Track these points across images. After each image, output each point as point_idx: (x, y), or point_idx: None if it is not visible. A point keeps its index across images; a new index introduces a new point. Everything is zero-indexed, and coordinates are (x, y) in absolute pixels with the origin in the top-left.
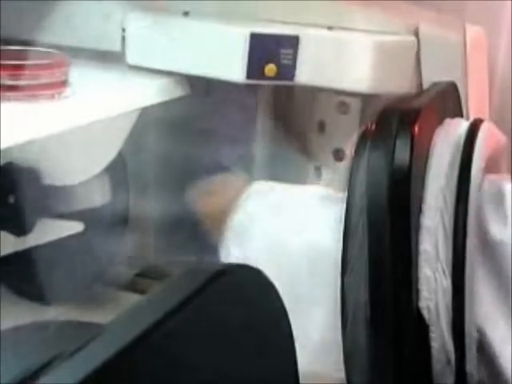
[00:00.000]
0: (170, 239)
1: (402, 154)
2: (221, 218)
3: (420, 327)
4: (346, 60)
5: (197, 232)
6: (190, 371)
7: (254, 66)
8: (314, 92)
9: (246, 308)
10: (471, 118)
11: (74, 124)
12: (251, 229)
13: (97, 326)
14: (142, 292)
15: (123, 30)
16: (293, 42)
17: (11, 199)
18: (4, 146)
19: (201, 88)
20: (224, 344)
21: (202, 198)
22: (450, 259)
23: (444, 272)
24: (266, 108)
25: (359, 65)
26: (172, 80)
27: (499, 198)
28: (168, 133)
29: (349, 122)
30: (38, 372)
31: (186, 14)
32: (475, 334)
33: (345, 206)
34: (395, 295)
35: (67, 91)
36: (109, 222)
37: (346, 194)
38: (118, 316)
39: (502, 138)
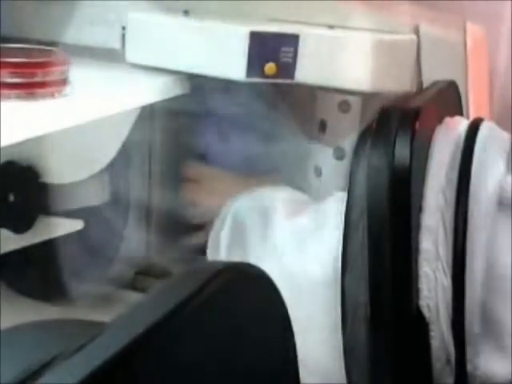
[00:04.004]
0: (171, 237)
1: (402, 153)
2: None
3: (420, 326)
4: (346, 58)
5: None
6: (191, 370)
7: (254, 65)
8: (315, 91)
9: (246, 306)
10: (471, 117)
11: (73, 122)
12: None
13: (97, 325)
14: (142, 290)
15: (123, 28)
16: (293, 40)
17: (11, 197)
18: (4, 144)
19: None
20: (225, 342)
21: (186, 184)
22: (451, 258)
23: (444, 271)
24: (266, 106)
25: (360, 63)
26: (172, 78)
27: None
28: (168, 131)
29: (350, 121)
30: (38, 371)
31: (185, 12)
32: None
33: (345, 204)
34: (395, 294)
35: (67, 89)
36: (109, 220)
37: (347, 193)
38: (118, 315)
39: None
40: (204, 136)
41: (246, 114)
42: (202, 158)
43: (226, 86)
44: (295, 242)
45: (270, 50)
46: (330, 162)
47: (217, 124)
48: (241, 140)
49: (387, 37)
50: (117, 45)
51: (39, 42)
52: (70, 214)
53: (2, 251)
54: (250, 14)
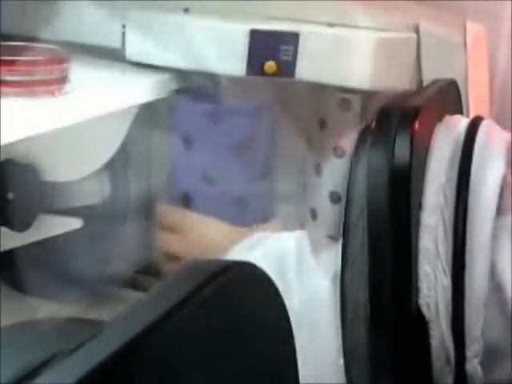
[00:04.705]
0: None
1: (401, 152)
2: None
3: (420, 325)
4: (346, 57)
5: None
6: (190, 370)
7: (254, 63)
8: (315, 89)
9: (246, 306)
10: (471, 116)
11: (73, 120)
12: None
13: (97, 324)
14: (142, 289)
15: (123, 26)
16: (293, 38)
17: (10, 195)
18: (3, 142)
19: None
20: (224, 342)
21: (163, 233)
22: (450, 257)
23: (444, 270)
24: (266, 105)
25: (359, 61)
26: (172, 76)
27: None
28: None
29: (350, 119)
30: (36, 370)
31: (186, 10)
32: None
33: (345, 203)
34: (395, 293)
35: (67, 87)
36: (108, 219)
37: (346, 191)
38: (118, 314)
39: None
40: (187, 173)
41: (237, 142)
42: (185, 199)
43: (214, 111)
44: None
45: (270, 49)
46: (330, 160)
47: (203, 159)
48: (232, 177)
49: (387, 35)
50: (117, 43)
51: (39, 40)
52: (70, 213)
53: (2, 249)
54: (250, 12)
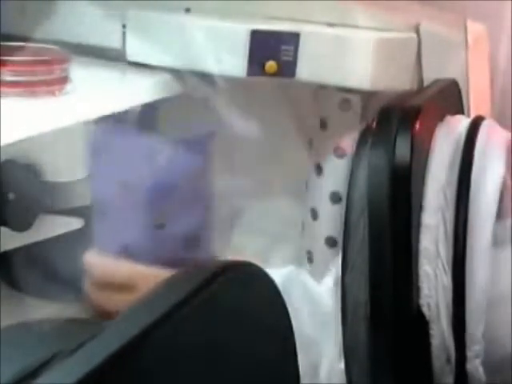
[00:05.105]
0: None
1: (402, 152)
2: None
3: (420, 325)
4: (346, 57)
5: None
6: (190, 370)
7: (255, 63)
8: (316, 89)
9: (246, 305)
10: (472, 115)
11: (74, 120)
12: None
13: (97, 324)
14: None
15: (123, 26)
16: (293, 38)
17: (11, 195)
18: (4, 142)
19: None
20: (225, 341)
21: (104, 291)
22: (451, 257)
23: (444, 270)
24: (266, 105)
25: (360, 62)
26: (172, 77)
27: None
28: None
29: (350, 119)
30: (36, 370)
31: (187, 10)
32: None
33: (345, 203)
34: (396, 293)
35: (68, 88)
36: None
37: (347, 192)
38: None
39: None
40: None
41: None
42: (124, 249)
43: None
44: None
45: (271, 49)
46: (331, 160)
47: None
48: (173, 219)
49: (388, 35)
50: (117, 43)
51: (39, 40)
52: (70, 213)
53: (3, 249)
54: (250, 12)
